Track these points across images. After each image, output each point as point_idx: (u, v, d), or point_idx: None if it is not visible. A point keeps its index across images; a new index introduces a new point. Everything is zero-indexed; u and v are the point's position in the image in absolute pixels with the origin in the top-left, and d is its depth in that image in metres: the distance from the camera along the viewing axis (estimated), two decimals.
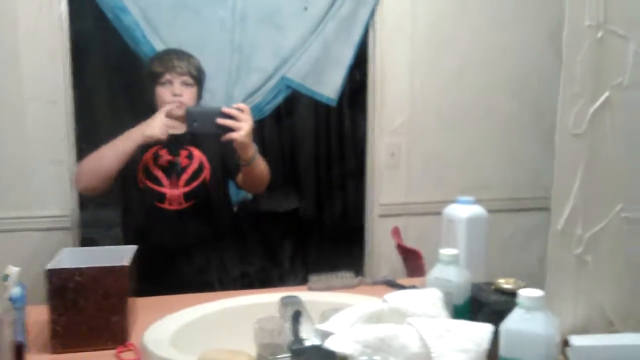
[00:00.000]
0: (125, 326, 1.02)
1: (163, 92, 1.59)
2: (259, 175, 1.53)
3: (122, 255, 1.08)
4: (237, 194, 1.94)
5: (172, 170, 1.57)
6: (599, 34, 0.89)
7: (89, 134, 1.99)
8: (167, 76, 1.58)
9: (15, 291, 0.93)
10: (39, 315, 1.06)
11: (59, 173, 1.94)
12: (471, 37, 2.18)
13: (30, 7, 1.87)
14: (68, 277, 0.98)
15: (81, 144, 1.97)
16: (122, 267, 1.02)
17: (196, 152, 1.60)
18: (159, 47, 1.92)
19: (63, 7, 1.91)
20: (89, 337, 1.00)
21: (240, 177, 1.58)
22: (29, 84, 1.89)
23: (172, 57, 1.62)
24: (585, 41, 0.89)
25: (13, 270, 0.87)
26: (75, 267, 0.99)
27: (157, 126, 1.50)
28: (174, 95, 1.58)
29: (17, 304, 0.92)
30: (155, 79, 1.59)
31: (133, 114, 1.74)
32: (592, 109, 0.91)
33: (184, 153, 1.60)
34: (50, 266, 1.00)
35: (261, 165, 1.52)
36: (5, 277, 0.87)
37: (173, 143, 1.59)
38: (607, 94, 0.91)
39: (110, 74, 2.20)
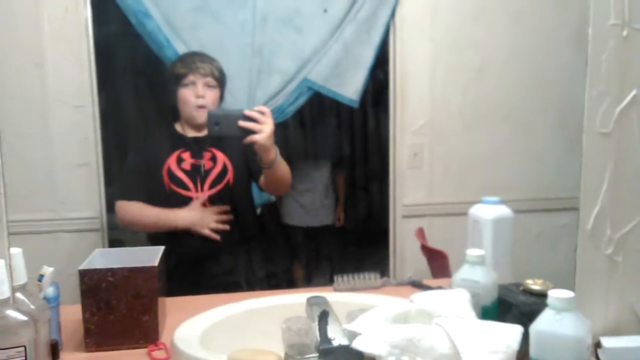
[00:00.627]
0: (155, 325, 1.04)
1: (186, 94, 1.60)
2: (280, 178, 1.54)
3: (151, 256, 1.10)
4: (260, 196, 1.96)
5: (197, 174, 1.59)
6: (624, 33, 0.89)
7: (117, 138, 2.03)
8: (191, 77, 1.59)
9: (50, 291, 0.96)
10: (71, 314, 1.09)
11: (87, 176, 1.99)
12: (492, 37, 2.17)
13: (55, 10, 1.91)
14: (100, 277, 1.01)
15: (109, 148, 2.02)
16: (151, 267, 1.04)
17: (219, 155, 1.61)
18: (182, 50, 1.95)
19: (88, 11, 1.95)
20: (121, 335, 1.02)
21: (262, 179, 1.59)
22: (54, 88, 1.94)
23: (195, 59, 1.63)
24: (610, 40, 0.89)
25: (48, 270, 0.90)
26: (107, 268, 1.01)
27: (209, 224, 1.55)
28: (198, 97, 1.59)
29: (52, 303, 0.95)
30: (178, 80, 1.60)
31: (158, 117, 1.76)
32: (619, 108, 0.90)
33: (207, 155, 1.61)
34: (83, 267, 1.02)
35: (283, 168, 1.53)
36: (40, 277, 0.90)
37: (195, 146, 1.61)
38: (634, 92, 0.90)
39: (135, 78, 2.25)
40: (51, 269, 0.90)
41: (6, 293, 0.73)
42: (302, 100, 2.11)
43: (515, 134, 2.22)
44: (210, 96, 1.61)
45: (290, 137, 2.56)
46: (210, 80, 1.62)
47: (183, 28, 2.01)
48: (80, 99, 1.96)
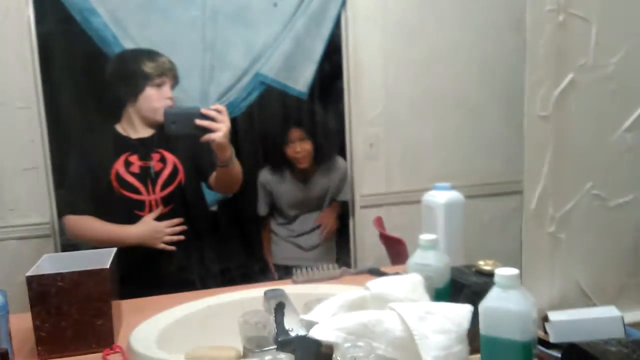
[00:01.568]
0: (110, 329, 1.02)
1: (154, 94, 1.56)
2: (233, 177, 1.54)
3: (102, 258, 1.07)
4: (215, 193, 1.94)
5: (147, 176, 1.55)
6: (561, 18, 0.92)
7: (65, 139, 1.96)
8: (164, 78, 1.57)
9: None
10: (22, 323, 1.06)
11: (35, 180, 1.92)
12: (439, 26, 2.20)
13: None
14: (49, 283, 0.98)
15: (57, 150, 1.95)
16: (102, 270, 1.02)
17: (168, 156, 1.58)
18: (130, 47, 1.91)
19: (30, 10, 1.88)
20: (74, 341, 1.00)
21: (212, 178, 1.58)
22: None
23: (164, 59, 1.60)
24: (547, 25, 0.92)
25: None
26: (56, 273, 0.99)
27: (163, 238, 1.53)
28: (167, 98, 1.57)
29: (0, 311, 0.92)
30: (148, 80, 1.56)
31: (101, 118, 1.72)
32: (557, 91, 0.93)
33: (156, 157, 1.57)
34: (30, 272, 0.99)
35: (237, 167, 1.52)
36: None
37: (142, 148, 1.57)
38: (571, 75, 0.93)
39: (81, 77, 2.17)
40: None
41: None
42: (255, 94, 2.10)
43: (465, 121, 2.27)
44: (172, 97, 1.60)
45: (242, 132, 2.54)
46: (174, 82, 1.61)
47: (131, 25, 1.96)
48: (25, 100, 1.89)
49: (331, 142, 2.17)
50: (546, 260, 0.95)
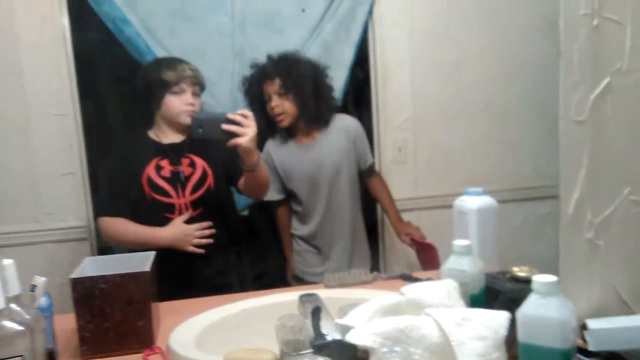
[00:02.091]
0: (150, 330, 1.05)
1: (174, 101, 1.60)
2: (261, 181, 1.56)
3: (142, 261, 1.10)
4: (246, 198, 1.96)
5: (177, 180, 1.59)
6: (595, 22, 0.91)
7: (100, 145, 2.02)
8: (182, 85, 1.60)
9: (43, 300, 0.96)
10: (65, 323, 1.09)
11: (72, 185, 1.98)
12: (468, 30, 2.20)
13: (32, 20, 1.90)
14: (92, 285, 1.01)
15: (93, 155, 2.01)
16: (143, 273, 1.05)
17: (198, 160, 1.62)
18: (162, 55, 1.95)
19: (65, 20, 1.94)
20: (116, 342, 1.03)
21: (241, 182, 1.60)
22: (35, 98, 1.93)
23: (184, 66, 1.63)
24: (581, 29, 0.91)
25: (40, 280, 0.90)
26: (99, 275, 1.02)
27: (192, 241, 1.55)
28: (187, 104, 1.60)
29: (45, 312, 0.95)
30: (167, 87, 1.60)
31: (135, 124, 1.76)
32: (592, 96, 0.93)
33: (185, 162, 1.61)
34: (74, 275, 1.03)
35: (264, 171, 1.54)
36: (33, 287, 0.90)
37: (173, 153, 1.62)
38: (607, 79, 0.93)
39: (116, 85, 2.23)
40: (43, 278, 0.91)
41: (1, 304, 0.73)
42: None
43: (495, 125, 2.26)
44: (197, 103, 1.64)
45: None
46: (197, 88, 1.64)
47: (162, 33, 2.01)
48: (62, 108, 1.95)
49: (323, 98, 1.88)
50: (584, 267, 0.94)
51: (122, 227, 1.58)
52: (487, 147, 2.27)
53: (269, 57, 1.87)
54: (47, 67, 1.93)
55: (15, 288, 0.83)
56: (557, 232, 0.96)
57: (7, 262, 0.81)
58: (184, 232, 1.55)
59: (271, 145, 1.93)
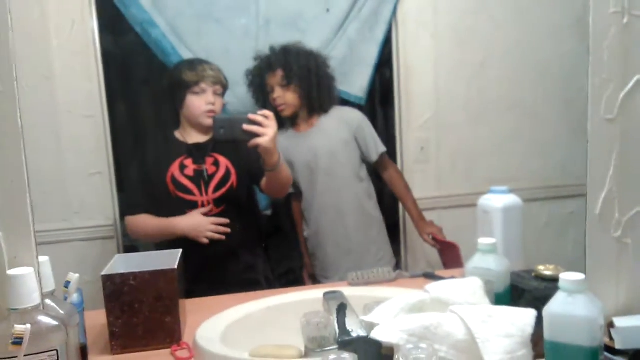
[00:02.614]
0: (177, 326, 1.07)
1: (196, 101, 1.63)
2: (282, 181, 1.57)
3: (170, 259, 1.13)
4: (268, 197, 1.97)
5: (200, 178, 1.62)
6: (625, 20, 0.90)
7: (127, 146, 2.06)
8: (202, 85, 1.63)
9: (75, 297, 0.99)
10: (94, 319, 1.12)
11: (100, 184, 2.02)
12: (493, 28, 2.18)
13: (63, 23, 1.94)
14: (123, 282, 1.04)
15: (120, 156, 2.05)
16: (171, 270, 1.07)
17: (221, 159, 1.65)
18: (187, 57, 1.98)
19: (94, 23, 1.99)
20: (145, 337, 1.05)
21: (263, 182, 1.62)
22: (64, 99, 1.97)
23: (205, 66, 1.66)
24: (611, 28, 0.91)
25: (73, 276, 0.93)
26: (129, 272, 1.04)
27: (206, 233, 1.57)
28: (208, 104, 1.63)
29: (78, 308, 0.98)
30: (188, 87, 1.63)
31: (160, 125, 1.80)
32: (622, 94, 0.92)
33: (209, 160, 1.64)
34: (105, 272, 1.05)
35: (285, 171, 1.56)
36: (67, 284, 0.93)
37: (197, 152, 1.65)
38: (637, 77, 0.92)
39: (143, 87, 2.28)
40: (76, 275, 0.93)
41: (37, 300, 0.76)
42: None
43: (520, 124, 2.24)
44: (218, 104, 1.66)
45: None
46: (218, 88, 1.66)
47: (188, 35, 2.04)
48: (90, 109, 2.00)
49: (324, 88, 1.89)
50: (612, 266, 0.93)
51: (142, 221, 1.62)
52: (512, 146, 2.24)
53: (272, 49, 1.89)
54: (76, 69, 1.97)
55: (50, 284, 0.86)
56: (584, 231, 0.95)
57: (43, 259, 0.84)
58: (199, 222, 1.58)
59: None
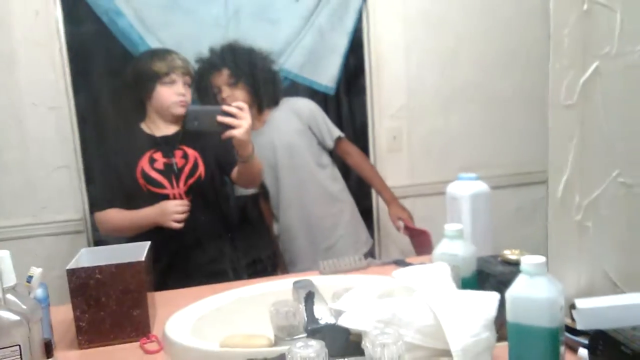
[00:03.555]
0: (146, 318, 1.06)
1: (166, 92, 1.61)
2: (255, 172, 1.58)
3: (137, 251, 1.12)
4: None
5: (170, 172, 1.61)
6: (585, 7, 0.92)
7: (95, 138, 2.02)
8: (173, 76, 1.61)
9: (39, 292, 0.97)
10: (62, 314, 1.11)
11: (67, 178, 1.98)
12: (461, 16, 2.20)
13: (26, 12, 1.89)
14: (88, 276, 1.02)
15: (88, 148, 2.01)
16: (138, 263, 1.06)
17: (190, 151, 1.64)
18: (156, 47, 1.95)
19: (58, 12, 1.94)
20: (112, 331, 1.04)
21: (234, 172, 1.62)
22: (29, 91, 1.92)
23: (173, 56, 1.64)
24: (571, 14, 0.92)
25: (36, 271, 0.91)
26: (94, 266, 1.03)
27: (176, 220, 1.54)
28: (179, 95, 1.61)
29: (42, 303, 0.96)
30: (158, 78, 1.61)
31: (127, 117, 1.77)
32: (582, 80, 0.93)
33: (178, 153, 1.63)
34: (70, 266, 1.04)
35: (257, 162, 1.56)
36: (29, 278, 0.91)
37: (165, 145, 1.63)
38: (596, 63, 0.93)
39: (109, 77, 2.23)
40: (39, 269, 0.92)
41: None
42: None
43: (490, 112, 2.27)
44: (188, 94, 1.65)
45: None
46: (187, 78, 1.65)
47: (156, 25, 2.00)
48: (56, 101, 1.95)
49: (271, 83, 1.89)
50: (573, 249, 0.95)
51: (113, 215, 1.60)
52: (483, 133, 2.27)
53: (212, 50, 1.87)
54: (41, 60, 1.93)
55: (11, 279, 0.84)
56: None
57: (3, 253, 0.82)
58: (163, 207, 1.55)
59: None
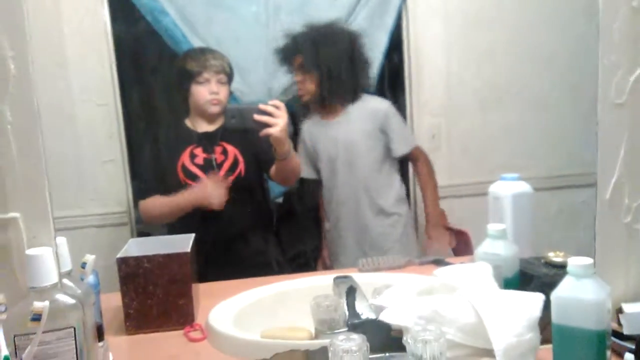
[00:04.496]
0: (191, 308, 1.09)
1: (200, 91, 1.66)
2: (290, 170, 1.59)
3: (183, 243, 1.15)
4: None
5: (210, 167, 1.65)
6: (635, 2, 0.90)
7: (140, 134, 2.08)
8: (205, 75, 1.65)
9: (92, 278, 1.01)
10: (110, 302, 1.15)
11: (113, 171, 2.05)
12: (503, 13, 2.16)
13: (75, 11, 1.96)
14: (137, 264, 1.06)
15: (133, 144, 2.07)
16: (184, 254, 1.09)
17: (230, 148, 1.67)
18: (198, 45, 1.99)
19: (105, 11, 2.00)
20: (159, 319, 1.08)
21: (273, 170, 1.64)
22: (78, 87, 1.99)
23: (207, 56, 1.68)
24: (621, 9, 0.90)
25: (90, 257, 0.95)
26: (143, 255, 1.07)
27: (216, 197, 1.58)
28: (212, 93, 1.65)
29: (94, 289, 1.00)
30: (192, 77, 1.65)
31: (171, 113, 1.82)
32: (632, 78, 0.91)
33: (218, 150, 1.67)
34: (120, 255, 1.08)
35: (295, 160, 1.58)
36: (83, 264, 0.95)
37: (206, 141, 1.67)
38: None
39: (154, 75, 2.29)
40: (93, 256, 0.95)
41: (55, 278, 0.78)
42: None
43: (532, 111, 2.22)
44: (222, 92, 1.67)
45: None
46: (222, 77, 1.68)
47: (198, 23, 2.04)
48: (103, 97, 2.02)
49: (352, 75, 1.84)
50: (621, 252, 0.93)
51: (155, 200, 1.64)
52: (524, 134, 2.22)
53: (301, 29, 1.86)
54: (89, 57, 1.99)
55: (67, 264, 0.88)
56: (593, 220, 0.95)
57: (60, 239, 0.86)
58: (204, 184, 1.59)
59: (305, 122, 1.95)
